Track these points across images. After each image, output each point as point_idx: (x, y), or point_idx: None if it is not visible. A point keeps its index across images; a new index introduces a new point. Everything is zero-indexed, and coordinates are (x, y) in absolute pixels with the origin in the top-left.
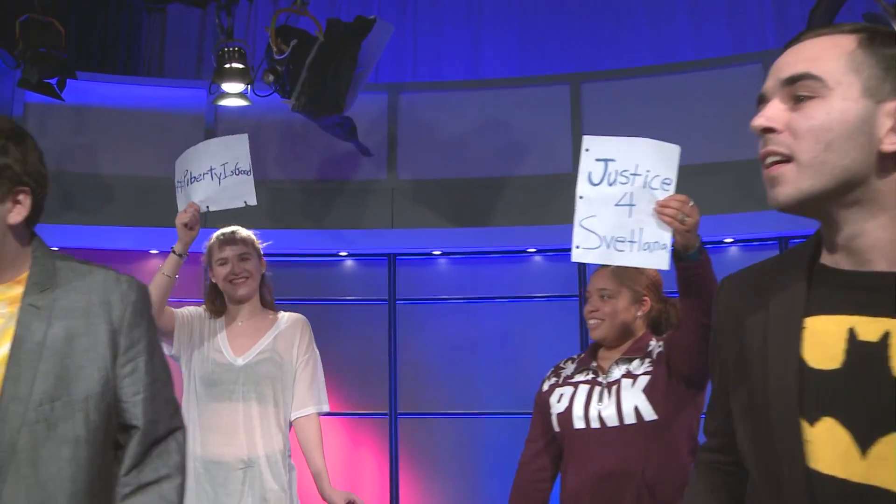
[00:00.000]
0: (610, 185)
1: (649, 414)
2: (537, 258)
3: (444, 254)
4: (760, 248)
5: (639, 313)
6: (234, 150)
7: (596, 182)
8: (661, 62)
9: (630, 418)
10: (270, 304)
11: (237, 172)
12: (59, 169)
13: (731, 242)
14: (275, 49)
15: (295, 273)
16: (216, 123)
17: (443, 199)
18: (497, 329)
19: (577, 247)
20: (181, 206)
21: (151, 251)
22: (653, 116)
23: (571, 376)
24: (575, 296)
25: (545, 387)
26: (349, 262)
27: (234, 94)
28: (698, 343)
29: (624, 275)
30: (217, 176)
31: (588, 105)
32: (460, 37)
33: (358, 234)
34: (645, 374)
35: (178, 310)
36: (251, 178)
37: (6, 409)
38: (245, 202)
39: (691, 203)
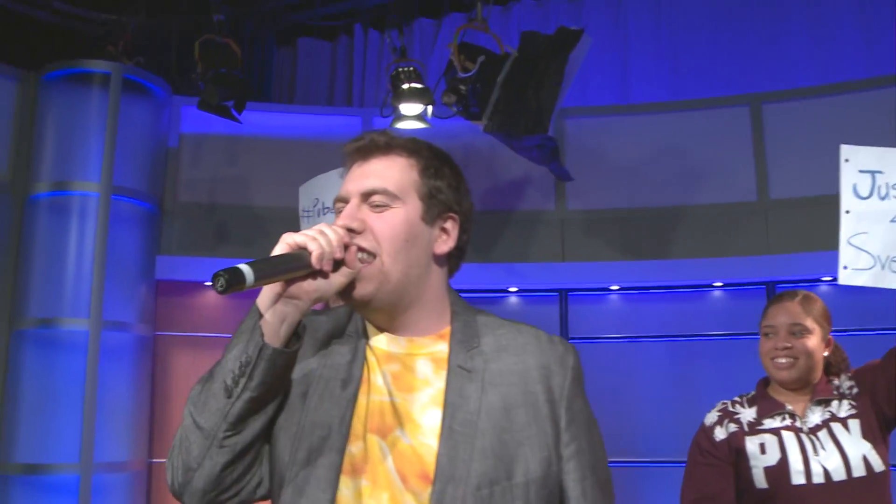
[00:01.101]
0: (882, 199)
1: (878, 464)
2: (717, 293)
3: (621, 288)
4: None
5: (825, 353)
6: None
7: (864, 196)
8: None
9: (859, 470)
10: None
11: None
12: (213, 201)
13: None
14: (458, 67)
15: None
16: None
17: (615, 230)
18: (666, 368)
19: (845, 267)
20: None
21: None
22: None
23: (760, 422)
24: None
25: (719, 434)
26: (514, 299)
27: (411, 116)
28: None
29: (813, 309)
30: None
31: (770, 127)
32: (608, 60)
33: (528, 267)
34: (851, 417)
35: None
36: None
37: (443, 493)
38: None
39: None
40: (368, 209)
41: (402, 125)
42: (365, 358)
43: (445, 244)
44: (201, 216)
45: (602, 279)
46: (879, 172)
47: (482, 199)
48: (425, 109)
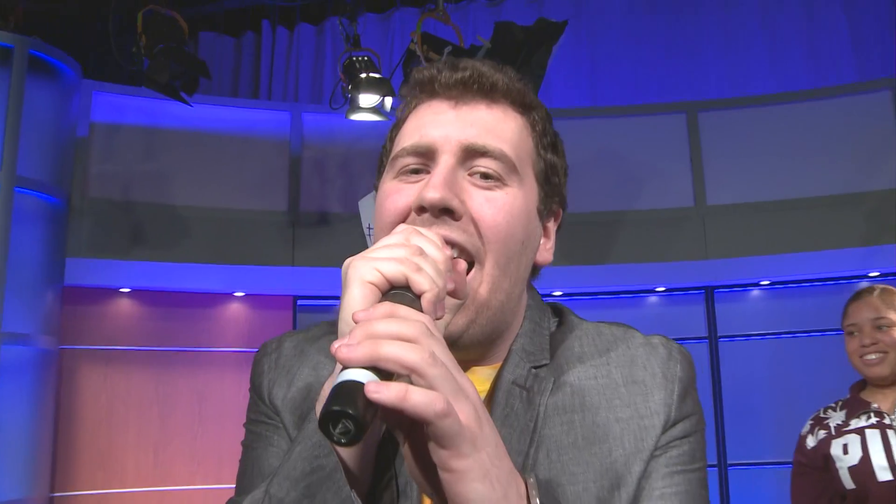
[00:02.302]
0: None
1: None
2: (654, 298)
3: (563, 294)
4: None
5: None
6: None
7: None
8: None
9: None
10: None
11: None
12: (127, 198)
13: (877, 276)
14: (422, 57)
15: None
16: (302, 149)
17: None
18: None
19: None
20: None
21: (236, 293)
22: (775, 147)
23: (846, 423)
24: None
25: (810, 442)
26: None
27: (367, 108)
28: None
29: (895, 302)
30: None
31: (706, 135)
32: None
33: None
34: None
35: None
36: None
37: None
38: None
39: None
40: (467, 181)
41: (356, 116)
42: None
43: (549, 252)
44: (114, 214)
45: (540, 284)
46: None
47: None
48: (382, 101)
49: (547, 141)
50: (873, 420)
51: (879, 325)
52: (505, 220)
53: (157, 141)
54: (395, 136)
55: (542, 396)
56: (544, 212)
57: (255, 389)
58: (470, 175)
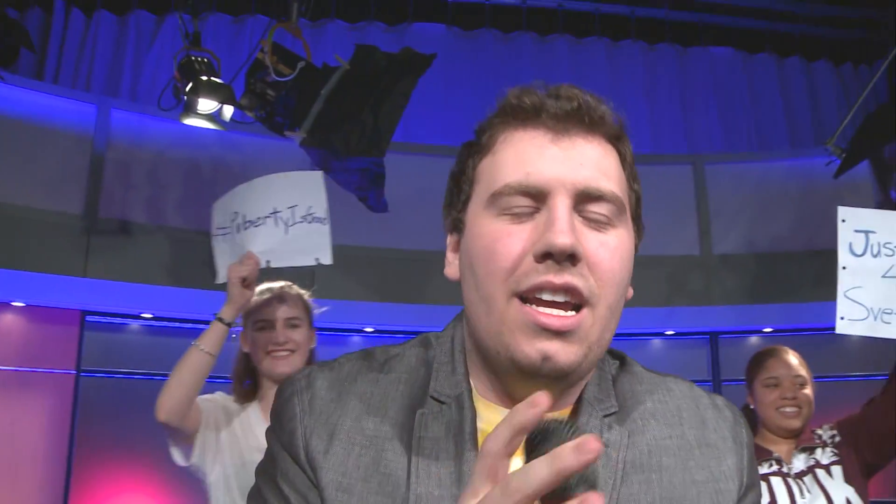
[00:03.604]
0: (874, 256)
1: None
2: None
3: (375, 331)
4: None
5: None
6: (306, 191)
7: (859, 253)
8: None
9: None
10: None
11: (310, 220)
12: None
13: (672, 335)
14: (271, 69)
15: None
16: (107, 149)
17: (369, 270)
18: None
19: (843, 318)
20: (225, 258)
21: (13, 303)
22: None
23: None
24: None
25: None
26: None
27: (203, 114)
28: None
29: (805, 364)
30: (284, 222)
31: None
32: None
33: None
34: (833, 463)
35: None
36: (328, 228)
37: None
38: (317, 259)
39: None
40: (579, 222)
41: (191, 122)
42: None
43: (631, 289)
44: None
45: (353, 319)
46: (872, 232)
47: None
48: (220, 109)
49: (634, 172)
50: (774, 468)
51: (800, 383)
52: (619, 265)
53: None
54: (481, 163)
55: (619, 453)
56: (637, 246)
57: (285, 439)
58: (582, 217)
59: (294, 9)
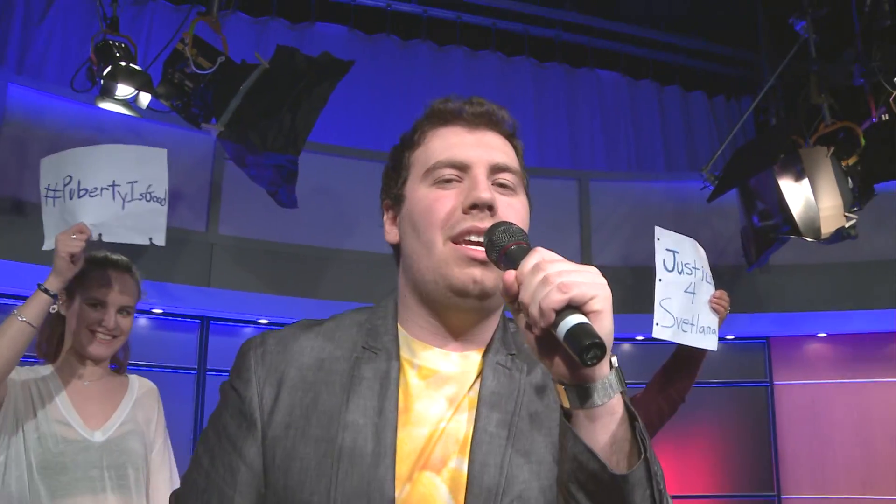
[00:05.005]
0: (679, 273)
1: None
2: None
3: (269, 322)
4: None
5: None
6: (149, 168)
7: (669, 269)
8: None
9: None
10: (123, 365)
11: (148, 198)
12: None
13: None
14: (191, 61)
15: None
16: (3, 125)
17: (265, 262)
18: None
19: (657, 324)
20: (54, 223)
21: None
22: None
23: None
24: None
25: None
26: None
27: (119, 99)
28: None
29: None
30: (122, 196)
31: None
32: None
33: (172, 287)
34: None
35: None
36: (165, 209)
37: None
38: (150, 239)
39: None
40: (493, 188)
41: (107, 106)
42: (398, 383)
43: None
44: None
45: (248, 311)
46: (678, 252)
47: None
48: (136, 95)
49: (523, 164)
50: None
51: None
52: (522, 220)
53: None
54: (414, 154)
55: (521, 376)
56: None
57: (240, 386)
58: (495, 184)
59: (214, 2)
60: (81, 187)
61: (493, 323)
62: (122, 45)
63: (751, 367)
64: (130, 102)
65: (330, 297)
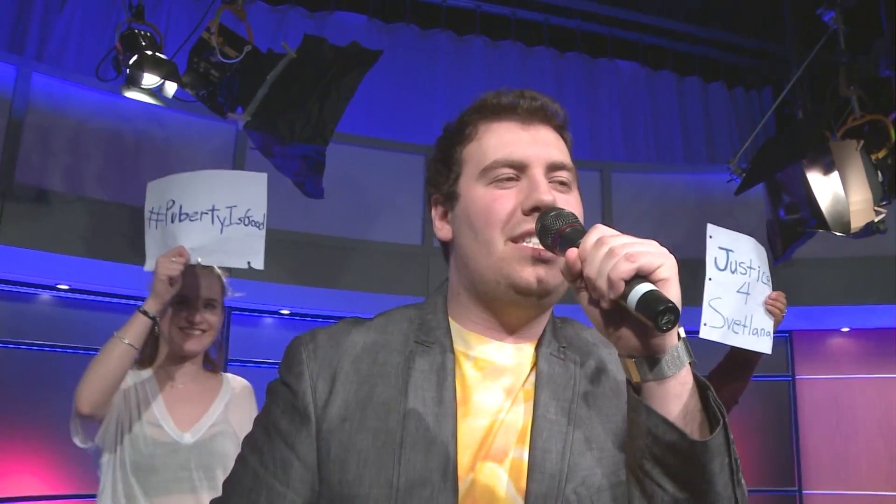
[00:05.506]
0: (732, 272)
1: None
2: None
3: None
4: None
5: None
6: (248, 192)
7: (721, 268)
8: None
9: None
10: (217, 365)
11: (247, 222)
12: None
13: None
14: (218, 50)
15: None
16: (27, 114)
17: (292, 254)
18: None
19: (705, 324)
20: (155, 245)
21: None
22: None
23: None
24: None
25: None
26: None
27: (145, 88)
28: None
29: None
30: (220, 220)
31: None
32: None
33: None
34: None
35: None
36: (263, 233)
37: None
38: (249, 263)
39: None
40: (551, 186)
41: (133, 95)
42: (454, 374)
43: None
44: None
45: (270, 301)
46: (732, 251)
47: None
48: (162, 85)
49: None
50: None
51: None
52: (579, 215)
53: None
54: (466, 149)
55: (576, 367)
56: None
57: (292, 381)
58: (552, 182)
59: None
60: (183, 211)
61: (546, 318)
62: (148, 34)
63: (773, 361)
64: (156, 92)
65: (351, 287)
